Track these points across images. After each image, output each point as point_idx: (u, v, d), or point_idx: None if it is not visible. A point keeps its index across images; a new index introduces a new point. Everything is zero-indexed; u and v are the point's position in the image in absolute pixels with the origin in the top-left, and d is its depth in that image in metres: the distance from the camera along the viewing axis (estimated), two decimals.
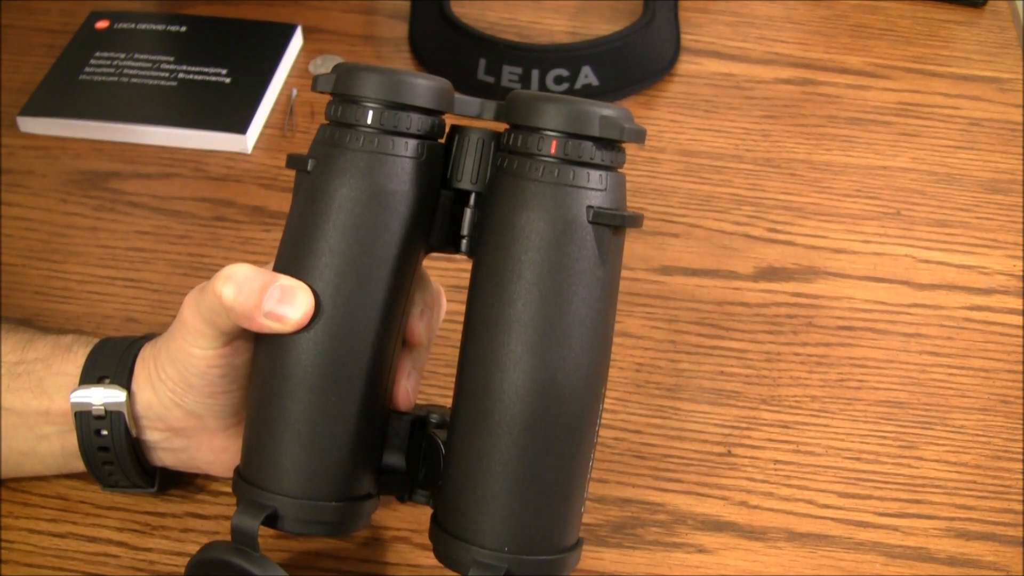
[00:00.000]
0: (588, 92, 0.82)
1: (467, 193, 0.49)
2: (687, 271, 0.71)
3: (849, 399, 0.64)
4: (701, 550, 0.57)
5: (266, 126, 0.81)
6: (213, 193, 0.75)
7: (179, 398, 0.51)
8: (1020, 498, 0.60)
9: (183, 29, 0.86)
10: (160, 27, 0.86)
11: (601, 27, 0.88)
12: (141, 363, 0.52)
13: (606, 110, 0.46)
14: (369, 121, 0.47)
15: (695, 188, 0.77)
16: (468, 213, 0.49)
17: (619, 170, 0.47)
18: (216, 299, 0.47)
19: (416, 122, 0.47)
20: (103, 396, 0.52)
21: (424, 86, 0.47)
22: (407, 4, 0.90)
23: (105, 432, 0.52)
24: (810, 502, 0.59)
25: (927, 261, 0.73)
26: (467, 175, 0.49)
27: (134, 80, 0.81)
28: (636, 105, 0.84)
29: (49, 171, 0.77)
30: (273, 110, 0.82)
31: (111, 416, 0.52)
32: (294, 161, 0.48)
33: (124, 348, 0.53)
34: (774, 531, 0.58)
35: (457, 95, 0.49)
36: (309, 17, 0.89)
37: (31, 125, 0.79)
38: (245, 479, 0.49)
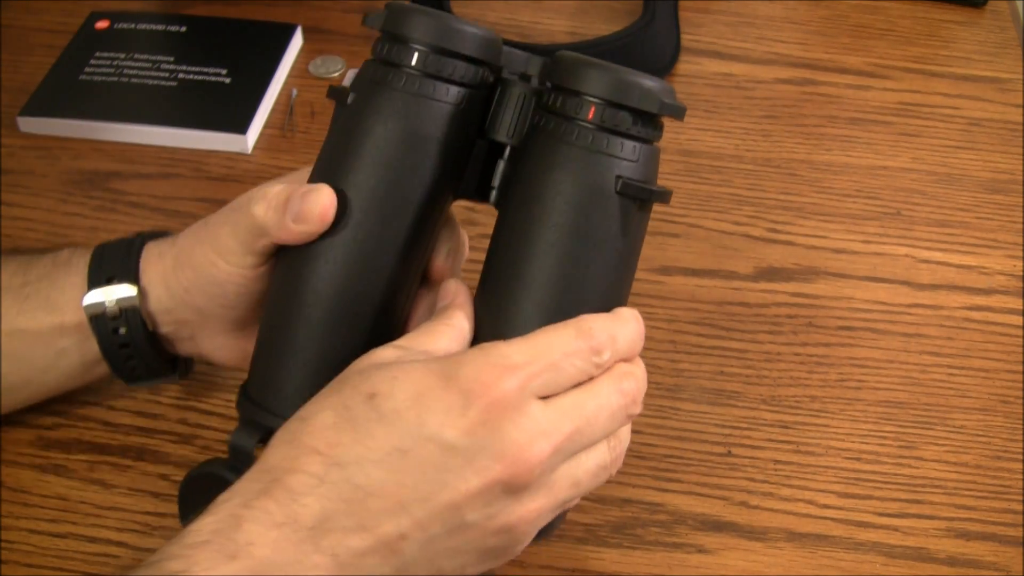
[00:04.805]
0: None
1: (503, 146, 0.49)
2: (687, 271, 0.71)
3: (849, 399, 0.64)
4: (701, 550, 0.57)
5: (266, 126, 0.81)
6: (213, 193, 0.75)
7: (191, 298, 0.53)
8: (1020, 498, 0.60)
9: (183, 29, 0.86)
10: (160, 27, 0.86)
11: (601, 27, 0.88)
12: (153, 261, 0.54)
13: (648, 82, 0.45)
14: (414, 63, 0.47)
15: (695, 188, 0.77)
16: (501, 166, 0.49)
17: (655, 143, 0.47)
18: (250, 218, 0.49)
19: (461, 70, 0.47)
20: (115, 296, 0.54)
21: (473, 35, 0.48)
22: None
23: (123, 330, 0.54)
24: (810, 502, 0.59)
25: (927, 261, 0.73)
26: (504, 128, 0.49)
27: (134, 80, 0.81)
28: None
29: (49, 171, 0.77)
30: (273, 110, 0.82)
31: (126, 313, 0.54)
32: (335, 93, 0.49)
33: (125, 248, 0.55)
34: (774, 531, 0.58)
35: (505, 47, 0.49)
36: (309, 17, 0.89)
37: (31, 125, 0.79)
38: (250, 397, 0.50)
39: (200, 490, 0.50)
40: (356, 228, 0.47)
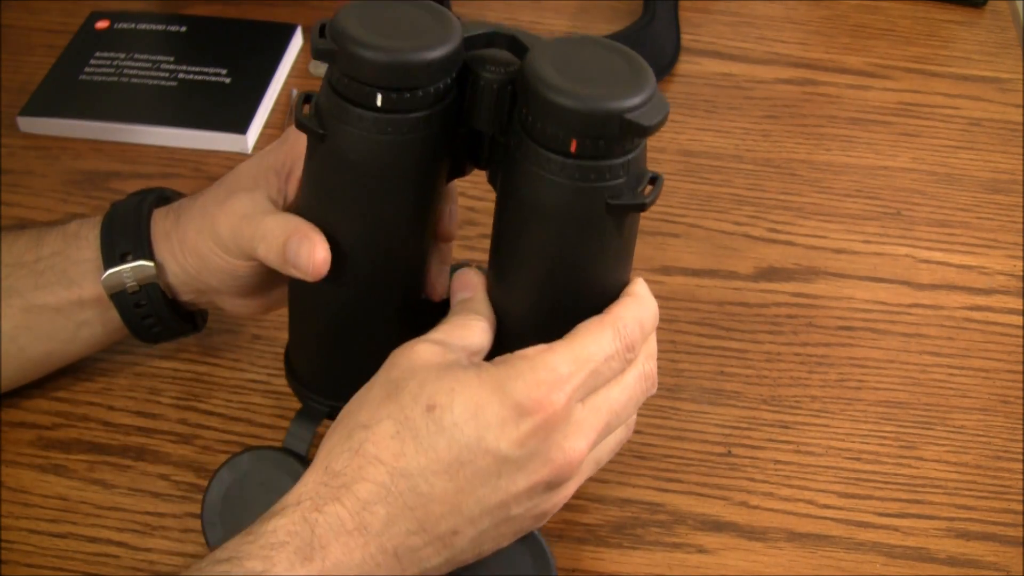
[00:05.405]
0: None
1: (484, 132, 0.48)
2: (687, 271, 0.71)
3: (849, 399, 0.64)
4: (701, 550, 0.57)
5: (266, 126, 0.81)
6: None
7: (202, 278, 0.55)
8: (1020, 498, 0.60)
9: (183, 29, 0.86)
10: (160, 27, 0.86)
11: (601, 27, 0.88)
12: (162, 239, 0.55)
13: (628, 103, 0.43)
14: (378, 104, 0.44)
15: (695, 188, 0.77)
16: (485, 149, 0.48)
17: (643, 145, 0.45)
18: (252, 250, 0.51)
19: (427, 98, 0.45)
20: (133, 273, 0.55)
21: (433, 62, 0.44)
22: None
23: (144, 303, 0.56)
24: (810, 502, 0.59)
25: (927, 261, 0.73)
26: (483, 120, 0.47)
27: (134, 80, 0.81)
28: None
29: (49, 171, 0.77)
30: (273, 110, 0.82)
31: (146, 289, 0.55)
32: (304, 128, 0.47)
33: (133, 220, 0.56)
34: (774, 531, 0.58)
35: (465, 33, 0.45)
36: (309, 17, 0.89)
37: (31, 125, 0.79)
38: (299, 378, 0.54)
39: (247, 471, 0.53)
40: (354, 262, 0.48)
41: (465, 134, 0.48)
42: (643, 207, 0.45)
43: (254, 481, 0.53)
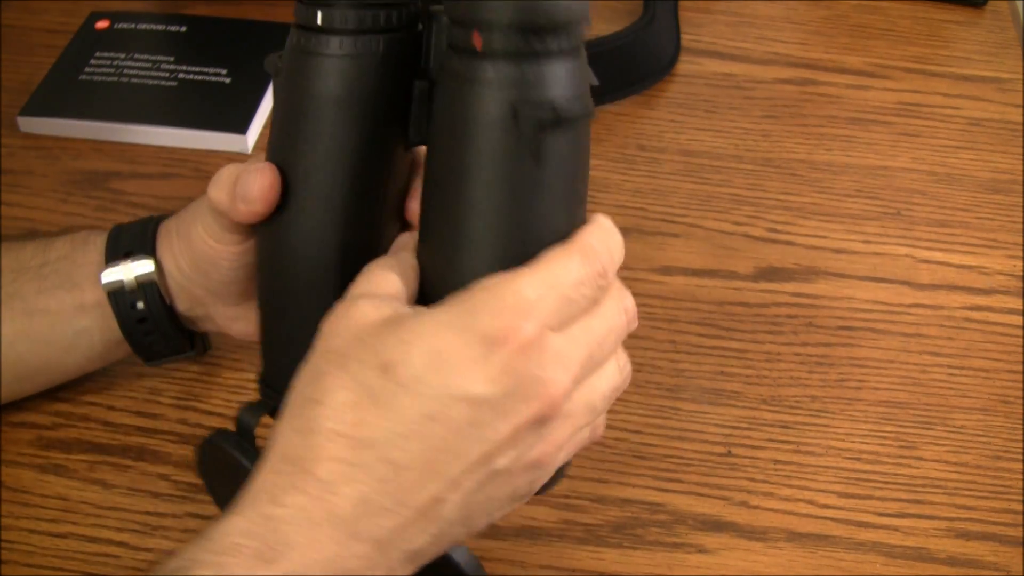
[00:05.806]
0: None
1: None
2: (687, 271, 0.71)
3: (849, 399, 0.64)
4: (701, 550, 0.57)
5: (266, 126, 0.81)
6: None
7: (194, 275, 0.54)
8: (1020, 498, 0.60)
9: (183, 29, 0.86)
10: (160, 27, 0.86)
11: (601, 27, 0.88)
12: (163, 237, 0.55)
13: None
14: (327, 23, 0.44)
15: (695, 188, 0.77)
16: None
17: (567, 56, 0.42)
18: (209, 201, 0.50)
19: (383, 19, 0.44)
20: (133, 269, 0.54)
21: None
22: None
23: (141, 304, 0.55)
24: (810, 502, 0.59)
25: (927, 261, 0.73)
26: (439, 68, 0.46)
27: (134, 80, 0.81)
28: (636, 105, 0.84)
29: (49, 171, 0.77)
30: None
31: (144, 287, 0.55)
32: (268, 64, 0.47)
33: (141, 226, 0.56)
34: (774, 531, 0.58)
35: None
36: None
37: (31, 125, 0.79)
38: (263, 377, 0.52)
39: (213, 457, 0.53)
40: (301, 202, 0.47)
41: (426, 92, 0.47)
42: (556, 121, 0.41)
43: (216, 467, 0.52)
